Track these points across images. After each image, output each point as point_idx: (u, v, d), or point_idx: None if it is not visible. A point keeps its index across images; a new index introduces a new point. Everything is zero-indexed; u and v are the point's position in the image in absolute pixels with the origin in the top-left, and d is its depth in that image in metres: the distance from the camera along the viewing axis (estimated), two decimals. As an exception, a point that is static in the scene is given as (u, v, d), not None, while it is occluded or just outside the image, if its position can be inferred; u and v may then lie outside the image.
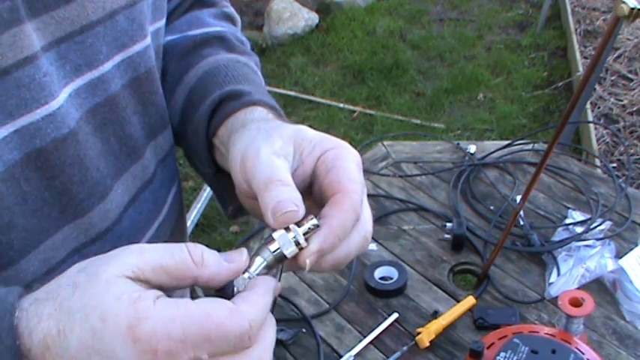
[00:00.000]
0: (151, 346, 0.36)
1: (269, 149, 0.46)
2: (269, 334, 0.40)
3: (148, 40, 0.59)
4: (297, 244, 0.41)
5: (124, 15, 0.55)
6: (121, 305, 0.37)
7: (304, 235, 0.41)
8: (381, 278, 0.99)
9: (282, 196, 0.43)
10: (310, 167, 0.48)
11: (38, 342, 0.37)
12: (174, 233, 0.73)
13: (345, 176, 0.46)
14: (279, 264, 0.42)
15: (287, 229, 0.42)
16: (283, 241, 0.41)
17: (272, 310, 0.42)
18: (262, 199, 0.43)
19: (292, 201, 0.43)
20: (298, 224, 0.42)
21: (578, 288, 0.93)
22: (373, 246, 1.06)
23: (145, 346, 0.36)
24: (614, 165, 2.38)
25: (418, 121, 2.97)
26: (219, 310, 0.38)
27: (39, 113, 0.47)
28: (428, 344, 0.86)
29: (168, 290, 0.40)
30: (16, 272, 0.49)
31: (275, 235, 0.41)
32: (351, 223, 0.45)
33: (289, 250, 0.41)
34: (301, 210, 0.43)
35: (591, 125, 2.49)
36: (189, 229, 1.93)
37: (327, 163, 0.47)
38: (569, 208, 1.11)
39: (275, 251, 0.41)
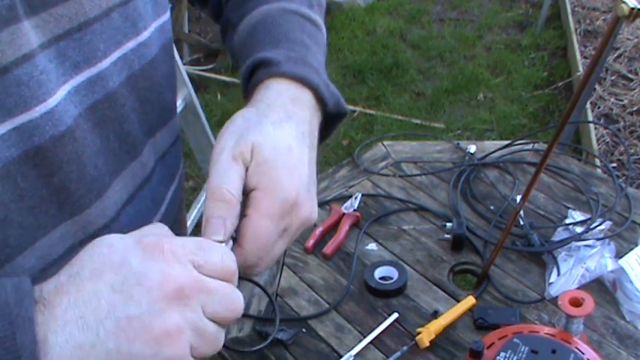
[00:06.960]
0: (158, 247, 0.43)
1: (230, 154, 0.51)
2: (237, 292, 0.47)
3: (142, 38, 0.59)
4: None
5: (119, 12, 0.55)
6: (125, 237, 0.44)
7: None
8: (381, 278, 0.99)
9: (215, 213, 0.50)
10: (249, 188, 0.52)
11: (50, 287, 0.42)
12: (173, 231, 0.73)
13: (247, 231, 0.51)
14: None
15: None
16: None
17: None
18: (205, 205, 0.51)
19: (221, 221, 0.49)
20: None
21: (578, 288, 0.93)
22: (373, 246, 1.06)
23: (153, 248, 0.43)
24: (614, 165, 2.38)
25: (418, 121, 2.97)
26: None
27: (37, 111, 0.47)
28: (428, 344, 0.86)
29: None
30: (13, 269, 0.49)
31: None
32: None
33: None
34: (228, 228, 0.50)
35: (591, 125, 2.49)
36: (189, 229, 1.92)
37: (249, 202, 0.52)
38: (569, 208, 1.11)
39: None
